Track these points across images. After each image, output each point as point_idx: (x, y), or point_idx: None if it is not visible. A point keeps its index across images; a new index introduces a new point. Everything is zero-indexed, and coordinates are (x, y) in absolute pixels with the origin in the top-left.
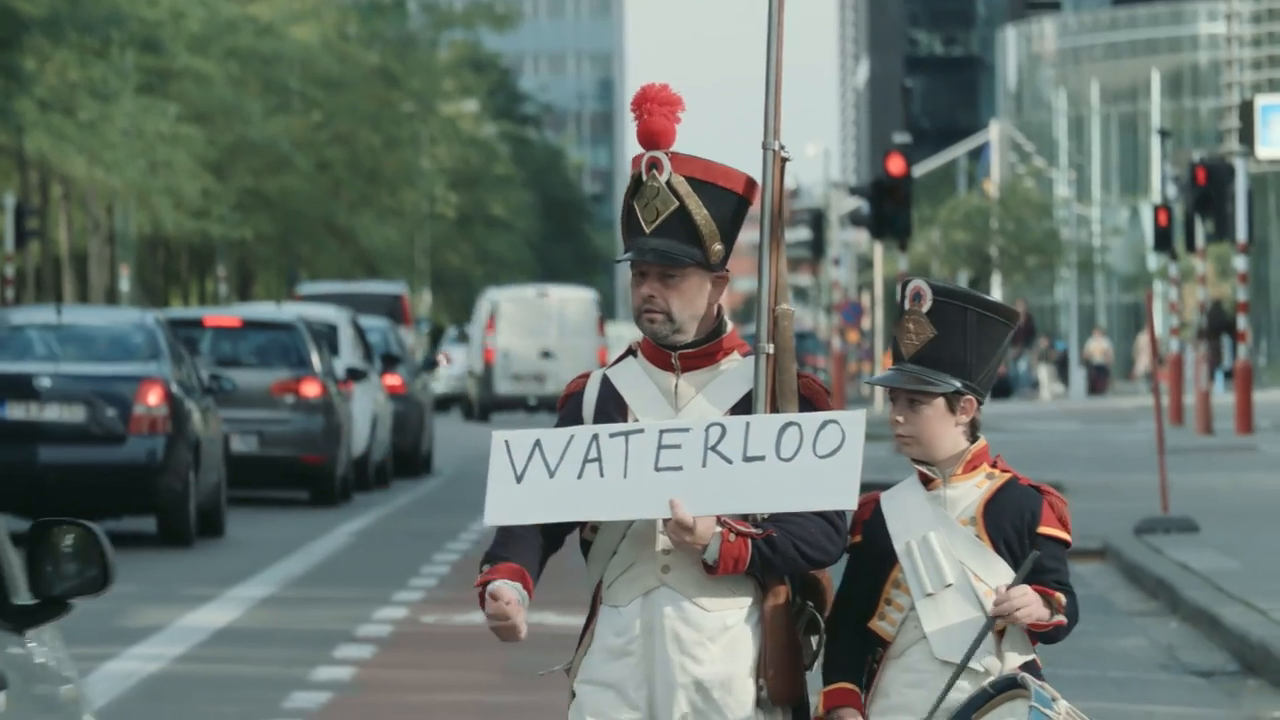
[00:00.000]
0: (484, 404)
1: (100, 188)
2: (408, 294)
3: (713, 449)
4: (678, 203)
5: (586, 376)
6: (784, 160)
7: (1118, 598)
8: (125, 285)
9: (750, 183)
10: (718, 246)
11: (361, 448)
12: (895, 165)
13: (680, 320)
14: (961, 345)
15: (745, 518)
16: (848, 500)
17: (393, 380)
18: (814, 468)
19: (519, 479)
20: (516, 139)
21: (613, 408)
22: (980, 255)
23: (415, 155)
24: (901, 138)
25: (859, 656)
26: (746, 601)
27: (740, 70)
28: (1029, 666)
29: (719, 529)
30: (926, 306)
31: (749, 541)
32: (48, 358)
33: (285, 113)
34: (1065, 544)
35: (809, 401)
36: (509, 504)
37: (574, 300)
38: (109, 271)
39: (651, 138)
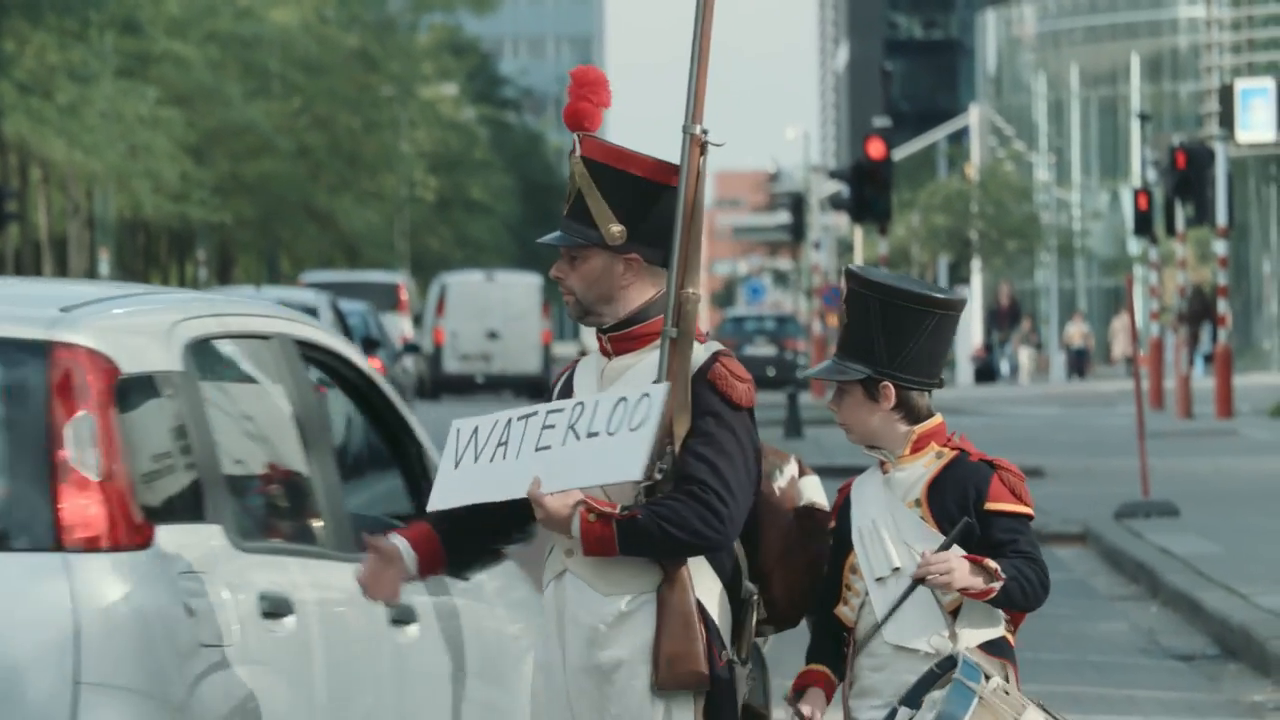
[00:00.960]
0: (434, 382)
1: (79, 171)
2: (406, 283)
3: (571, 427)
4: (579, 185)
5: (578, 360)
6: (704, 144)
7: (1098, 582)
8: (105, 268)
9: (661, 167)
10: (614, 228)
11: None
12: (875, 149)
13: (587, 301)
14: (867, 333)
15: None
16: (632, 471)
17: (374, 363)
18: (623, 440)
19: (457, 464)
20: (496, 123)
21: (567, 391)
22: (960, 239)
23: (395, 139)
24: (881, 121)
25: (833, 641)
26: (647, 587)
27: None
28: (998, 644)
29: (580, 508)
30: (844, 296)
31: (612, 522)
32: None
33: (265, 96)
34: (1021, 516)
35: (712, 386)
36: (443, 490)
37: (519, 285)
38: (88, 255)
39: (574, 119)
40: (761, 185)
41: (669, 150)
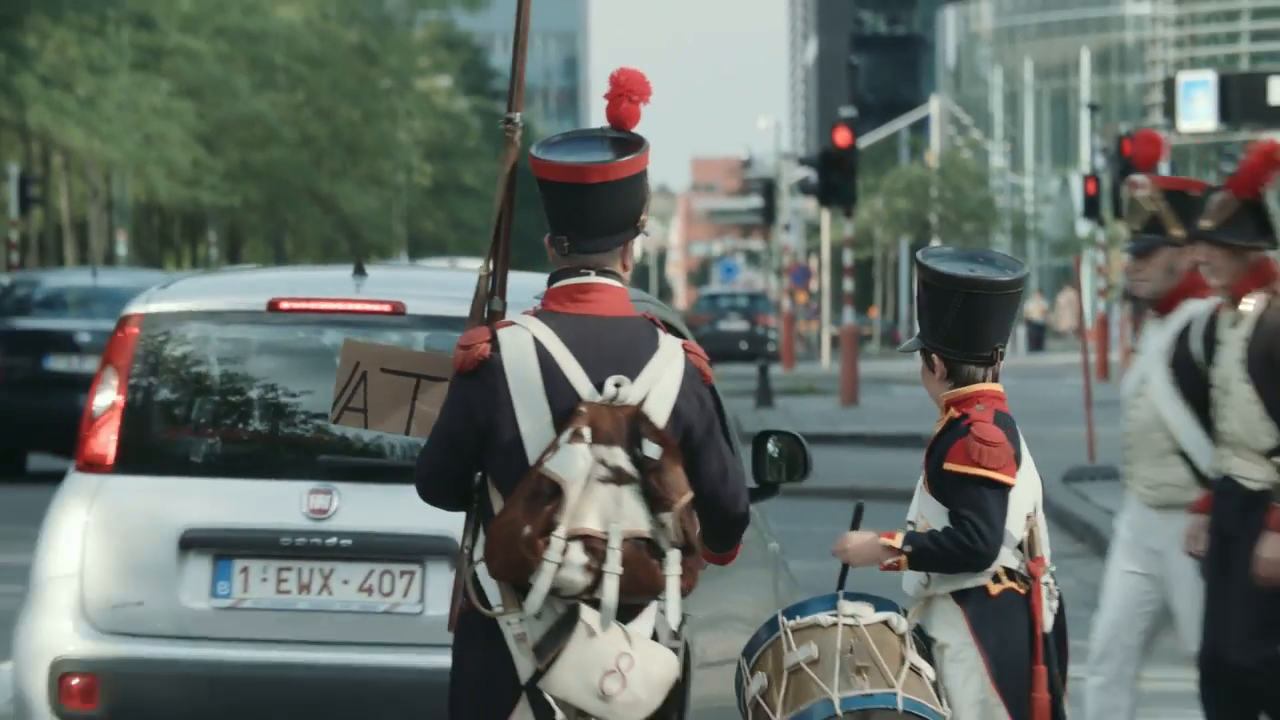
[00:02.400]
0: None
1: (98, 158)
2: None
3: None
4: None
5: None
6: (512, 130)
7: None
8: (123, 250)
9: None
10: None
11: None
12: (841, 137)
13: None
14: (921, 310)
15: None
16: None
17: None
18: None
19: None
20: (487, 113)
21: None
22: (920, 222)
23: (392, 128)
24: (848, 111)
25: None
26: None
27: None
28: (971, 593)
29: None
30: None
31: None
32: (84, 315)
33: (271, 88)
34: (971, 478)
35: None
36: None
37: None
38: (107, 237)
39: (617, 118)
40: (735, 171)
41: (653, 155)
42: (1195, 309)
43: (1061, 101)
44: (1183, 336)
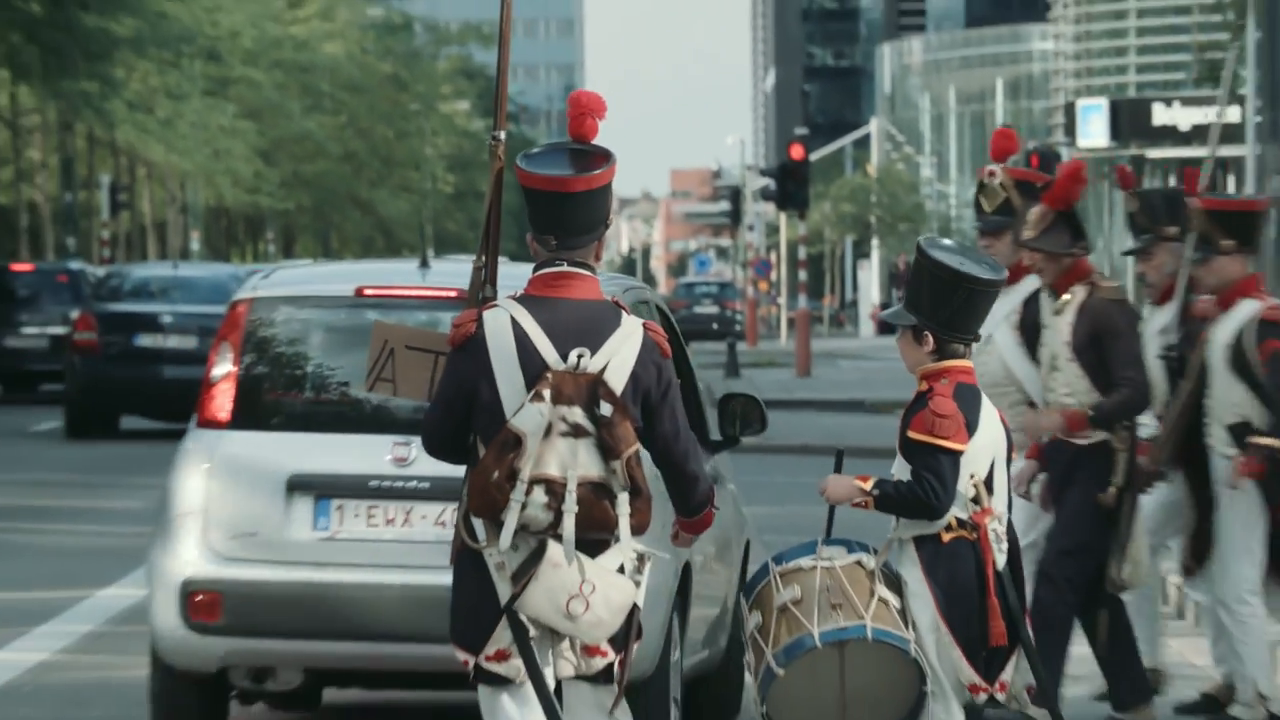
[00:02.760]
0: None
1: (175, 170)
2: None
3: None
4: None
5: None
6: (497, 145)
7: None
8: (195, 246)
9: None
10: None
11: None
12: (796, 152)
13: None
14: (918, 293)
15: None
16: None
17: None
18: None
19: None
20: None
21: None
22: (862, 223)
23: (420, 144)
24: (801, 130)
25: None
26: None
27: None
28: (925, 539)
29: None
30: (914, 262)
31: None
32: (167, 300)
33: (318, 111)
34: (925, 445)
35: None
36: None
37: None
38: (183, 236)
39: (579, 132)
40: (707, 180)
41: (629, 156)
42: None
43: (979, 122)
44: (1029, 303)
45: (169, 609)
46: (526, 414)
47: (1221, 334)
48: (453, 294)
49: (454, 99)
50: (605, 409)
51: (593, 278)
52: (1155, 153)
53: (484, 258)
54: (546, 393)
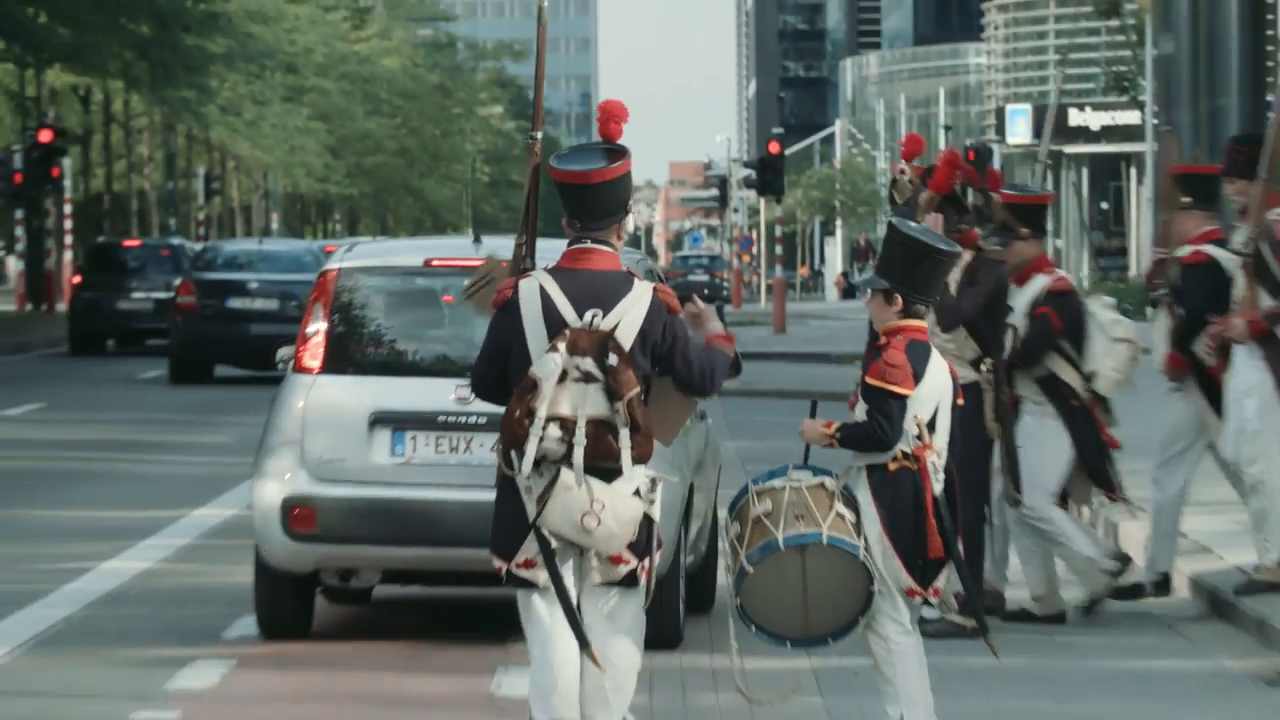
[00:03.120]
0: None
1: (258, 162)
2: None
3: None
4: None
5: None
6: (534, 144)
7: None
8: (275, 226)
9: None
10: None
11: None
12: (773, 148)
13: None
14: (890, 262)
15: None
16: None
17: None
18: None
19: None
20: (528, 131)
21: None
22: (828, 206)
23: (461, 141)
24: (777, 130)
25: None
26: None
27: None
28: (875, 468)
29: None
30: (886, 236)
31: None
32: (253, 270)
33: (377, 114)
34: (878, 390)
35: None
36: None
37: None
38: (264, 217)
39: (607, 135)
40: (699, 171)
41: (634, 151)
42: None
43: (926, 124)
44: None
45: (272, 521)
46: (543, 362)
47: (1021, 303)
48: (501, 265)
49: (490, 104)
50: (613, 359)
51: (612, 253)
52: (1071, 149)
53: (524, 236)
54: (562, 345)
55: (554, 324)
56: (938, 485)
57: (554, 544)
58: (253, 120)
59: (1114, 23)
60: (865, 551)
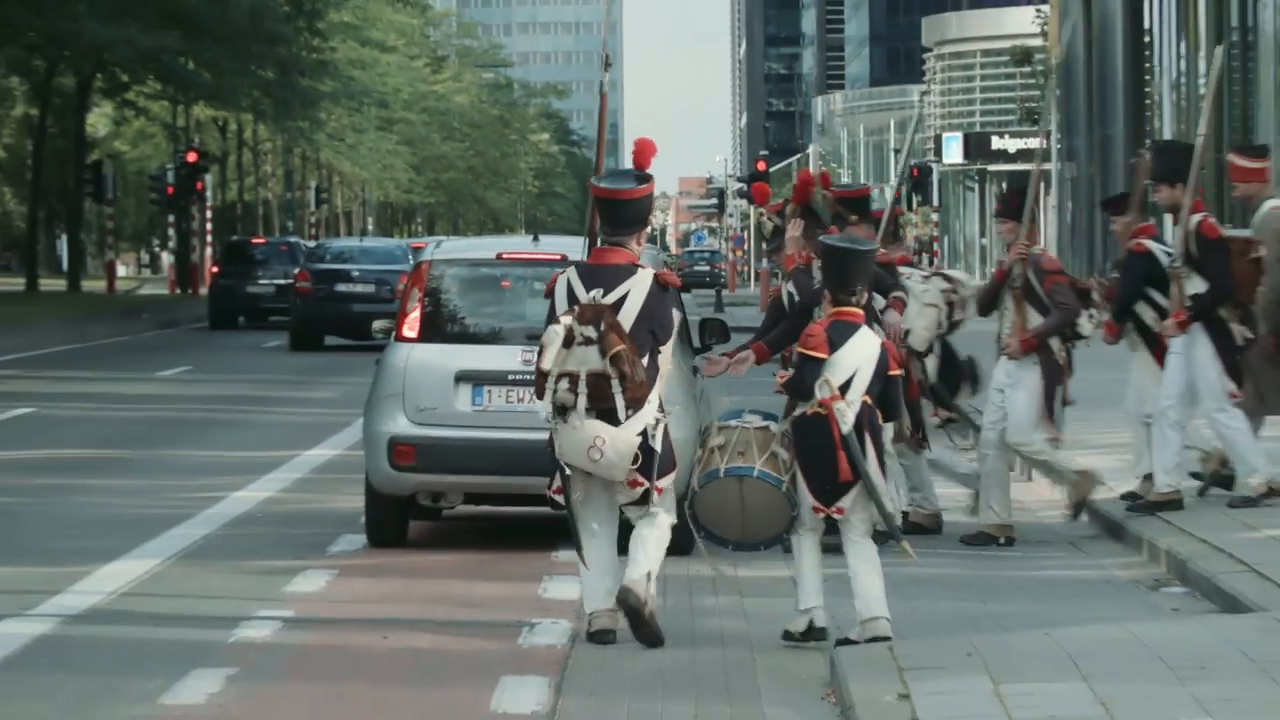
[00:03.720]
0: None
1: (357, 178)
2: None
3: None
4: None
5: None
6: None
7: None
8: (370, 227)
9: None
10: None
11: None
12: (760, 166)
13: None
14: (823, 268)
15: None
16: None
17: None
18: None
19: None
20: (568, 154)
21: None
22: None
23: (516, 162)
24: (763, 152)
25: None
26: None
27: (679, 112)
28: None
29: None
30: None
31: None
32: (355, 262)
33: (451, 140)
34: (802, 354)
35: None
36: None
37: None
38: (362, 221)
39: (640, 163)
40: (703, 184)
41: (658, 175)
42: None
43: (880, 148)
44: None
45: (380, 456)
46: (549, 332)
47: None
48: (556, 257)
49: (539, 132)
50: (602, 326)
51: (628, 252)
52: (993, 167)
53: (586, 242)
54: (569, 317)
55: (574, 301)
56: (844, 426)
57: (568, 471)
58: (353, 144)
59: (1026, 69)
60: (789, 485)
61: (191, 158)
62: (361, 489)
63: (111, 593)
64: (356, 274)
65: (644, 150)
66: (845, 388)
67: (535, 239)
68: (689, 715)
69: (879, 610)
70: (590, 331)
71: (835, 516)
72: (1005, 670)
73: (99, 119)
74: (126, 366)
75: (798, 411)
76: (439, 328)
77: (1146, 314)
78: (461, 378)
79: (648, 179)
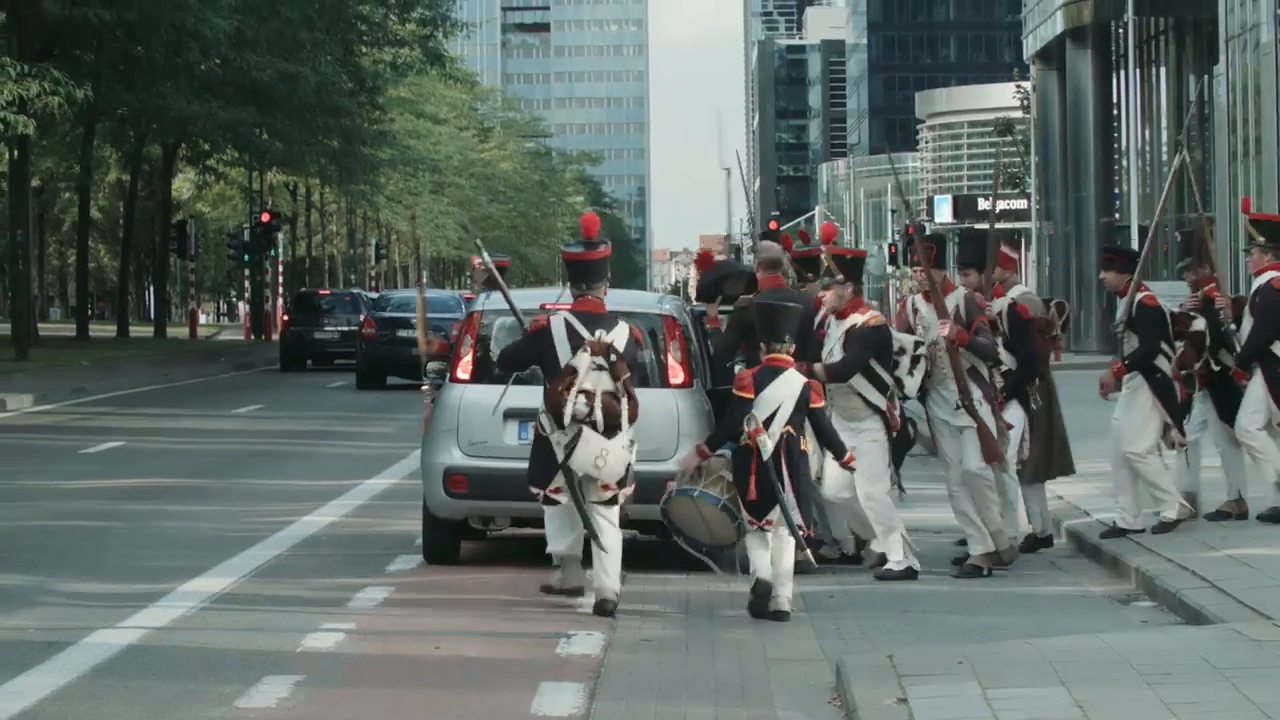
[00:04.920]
0: None
1: (412, 235)
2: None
3: None
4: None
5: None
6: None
7: None
8: (425, 280)
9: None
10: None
11: None
12: (772, 225)
13: None
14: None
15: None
16: None
17: None
18: None
19: None
20: (602, 214)
21: None
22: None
23: (554, 221)
24: (775, 212)
25: None
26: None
27: (703, 179)
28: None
29: None
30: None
31: None
32: (413, 311)
33: (497, 202)
34: (734, 394)
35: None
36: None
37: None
38: (418, 274)
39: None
40: (722, 240)
41: (678, 227)
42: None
43: (878, 209)
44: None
45: (436, 484)
46: (577, 359)
47: (833, 338)
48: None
49: (574, 195)
50: (613, 357)
51: (601, 301)
52: (978, 226)
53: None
54: (586, 351)
55: (575, 339)
56: (765, 454)
57: (575, 477)
58: (408, 206)
59: (1008, 138)
60: (728, 502)
61: (265, 218)
62: (417, 514)
63: (192, 607)
64: (414, 322)
65: (589, 224)
66: (770, 422)
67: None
68: (709, 717)
69: (784, 588)
70: (602, 361)
71: (765, 528)
72: (993, 676)
73: (183, 183)
74: (206, 404)
75: (740, 443)
76: (489, 370)
77: (1164, 363)
78: (509, 415)
79: (605, 244)
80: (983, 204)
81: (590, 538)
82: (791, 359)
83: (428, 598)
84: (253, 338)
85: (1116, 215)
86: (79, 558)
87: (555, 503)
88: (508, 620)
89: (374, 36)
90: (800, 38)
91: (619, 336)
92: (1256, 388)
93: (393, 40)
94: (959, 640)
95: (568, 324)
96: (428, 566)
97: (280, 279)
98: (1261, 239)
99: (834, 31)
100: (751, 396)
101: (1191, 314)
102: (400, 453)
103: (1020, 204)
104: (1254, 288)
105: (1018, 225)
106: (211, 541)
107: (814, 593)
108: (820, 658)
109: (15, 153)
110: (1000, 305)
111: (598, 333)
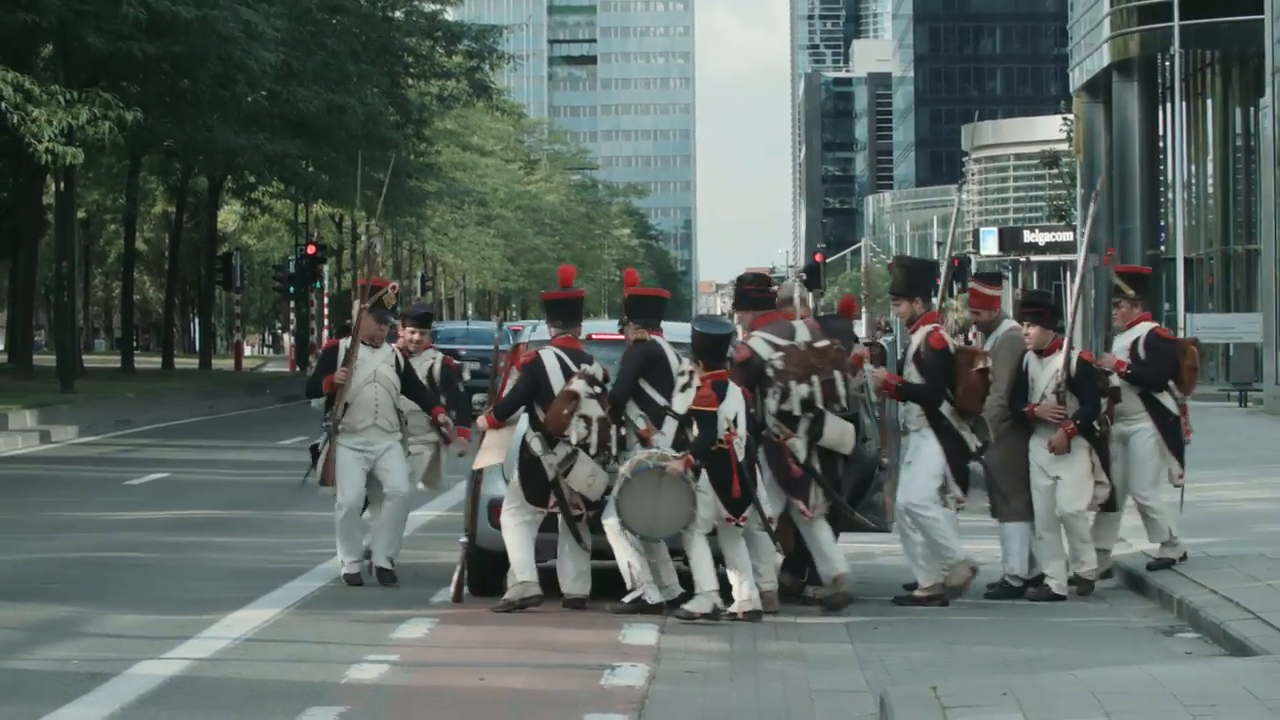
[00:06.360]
0: None
1: (459, 268)
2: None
3: None
4: None
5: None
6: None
7: None
8: (471, 311)
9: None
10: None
11: None
12: (818, 257)
13: None
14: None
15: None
16: None
17: None
18: None
19: None
20: (647, 246)
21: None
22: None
23: (601, 253)
24: (821, 245)
25: None
26: None
27: (747, 217)
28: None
29: None
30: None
31: None
32: (461, 342)
33: (543, 235)
34: (701, 409)
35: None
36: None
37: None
38: (464, 306)
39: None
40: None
41: (726, 260)
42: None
43: (925, 241)
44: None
45: (482, 515)
46: (576, 384)
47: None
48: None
49: (620, 228)
50: (598, 389)
51: (578, 340)
52: (1023, 257)
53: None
54: (582, 380)
55: (566, 371)
56: (740, 455)
57: (566, 493)
58: (455, 238)
59: (1054, 170)
60: (662, 471)
61: (310, 250)
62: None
63: (237, 638)
64: (463, 352)
65: (566, 275)
66: (733, 426)
67: (622, 324)
68: None
69: (769, 582)
70: (595, 389)
71: (740, 524)
72: (1037, 707)
73: (229, 215)
74: (250, 436)
75: (714, 449)
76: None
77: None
78: None
79: (579, 290)
80: (1029, 236)
81: (574, 538)
82: (726, 373)
83: (472, 630)
84: (298, 369)
85: (1162, 248)
86: (123, 589)
87: (551, 518)
88: (552, 651)
89: (420, 69)
90: (847, 71)
91: (598, 370)
92: (1146, 444)
93: (439, 72)
94: (1003, 671)
95: (559, 357)
96: (471, 597)
97: (325, 311)
98: (1131, 292)
99: (880, 64)
100: (716, 410)
101: (1107, 370)
102: (444, 485)
103: (1066, 235)
104: (1132, 339)
105: (1064, 257)
106: (255, 573)
107: (859, 624)
108: (864, 689)
109: (62, 184)
110: (918, 340)
111: (583, 366)
